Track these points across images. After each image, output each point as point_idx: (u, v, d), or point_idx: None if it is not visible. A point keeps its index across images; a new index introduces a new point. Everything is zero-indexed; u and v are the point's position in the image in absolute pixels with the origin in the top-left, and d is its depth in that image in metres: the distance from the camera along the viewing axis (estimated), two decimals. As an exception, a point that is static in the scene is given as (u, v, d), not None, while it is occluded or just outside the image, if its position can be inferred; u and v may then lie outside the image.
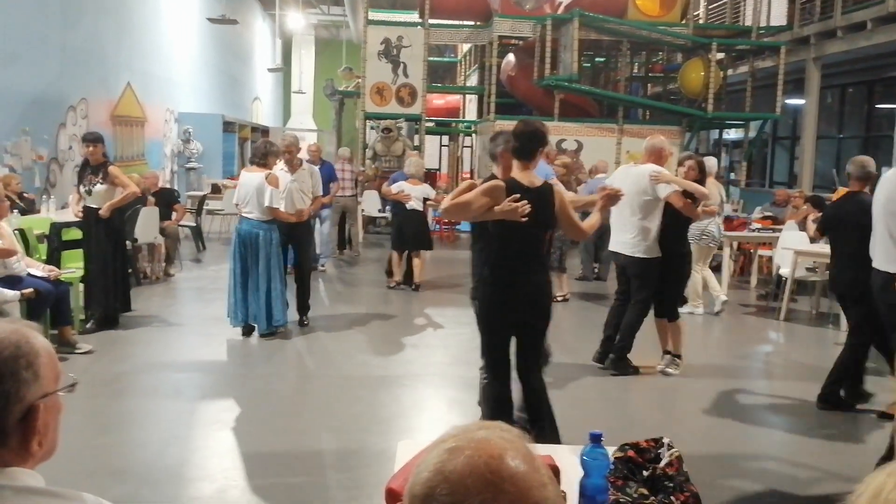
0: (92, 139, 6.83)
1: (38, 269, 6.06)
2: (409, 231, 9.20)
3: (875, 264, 4.60)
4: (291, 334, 7.10)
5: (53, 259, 7.09)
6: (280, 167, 7.06)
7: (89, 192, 6.77)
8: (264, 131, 22.09)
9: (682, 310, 7.22)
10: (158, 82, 15.40)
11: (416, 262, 9.36)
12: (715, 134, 17.71)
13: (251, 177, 6.76)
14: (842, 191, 6.51)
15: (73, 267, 6.99)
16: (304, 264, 7.48)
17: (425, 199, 9.35)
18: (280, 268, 6.93)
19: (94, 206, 6.80)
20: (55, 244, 7.31)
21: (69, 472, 3.71)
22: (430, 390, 5.81)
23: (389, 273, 9.58)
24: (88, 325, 6.80)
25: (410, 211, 9.17)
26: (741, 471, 4.39)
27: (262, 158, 6.82)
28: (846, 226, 5.29)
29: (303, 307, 7.40)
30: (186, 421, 4.93)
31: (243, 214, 6.78)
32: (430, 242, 9.63)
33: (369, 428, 4.83)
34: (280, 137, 7.72)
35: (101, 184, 6.73)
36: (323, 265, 10.23)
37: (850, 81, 15.05)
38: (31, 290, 5.66)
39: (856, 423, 5.22)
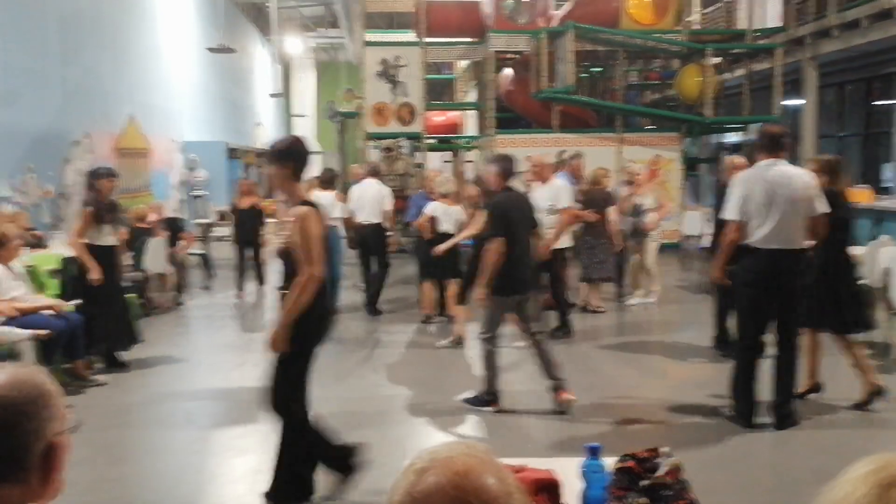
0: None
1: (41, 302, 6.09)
2: (433, 258, 8.03)
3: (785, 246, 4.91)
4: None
5: (66, 294, 7.12)
6: None
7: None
8: (268, 156, 22.19)
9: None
10: (161, 113, 15.55)
11: (451, 291, 8.19)
12: (715, 138, 17.75)
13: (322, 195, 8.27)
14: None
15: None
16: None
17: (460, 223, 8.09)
18: None
19: (109, 245, 6.74)
20: (67, 279, 7.37)
21: (86, 505, 3.76)
22: (443, 413, 5.82)
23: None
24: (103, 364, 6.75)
25: (441, 235, 8.01)
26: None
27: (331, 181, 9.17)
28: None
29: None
30: (200, 449, 4.99)
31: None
32: (458, 269, 8.09)
33: (382, 448, 4.84)
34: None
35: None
36: None
37: (847, 79, 15.09)
38: (46, 331, 5.70)
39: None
